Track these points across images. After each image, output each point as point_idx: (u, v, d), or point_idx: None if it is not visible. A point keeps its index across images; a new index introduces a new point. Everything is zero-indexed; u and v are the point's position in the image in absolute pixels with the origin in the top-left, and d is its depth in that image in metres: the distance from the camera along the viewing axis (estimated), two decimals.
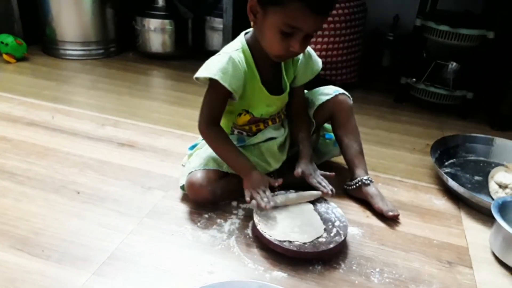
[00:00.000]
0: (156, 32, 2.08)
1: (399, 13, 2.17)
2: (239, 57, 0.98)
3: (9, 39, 1.92)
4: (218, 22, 2.07)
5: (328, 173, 1.07)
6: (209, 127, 1.00)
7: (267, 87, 1.03)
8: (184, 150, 1.25)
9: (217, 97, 0.99)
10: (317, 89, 1.17)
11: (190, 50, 2.23)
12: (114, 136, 1.36)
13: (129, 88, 1.78)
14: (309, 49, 1.09)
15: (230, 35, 1.86)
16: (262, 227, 0.92)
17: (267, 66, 1.02)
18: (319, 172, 1.06)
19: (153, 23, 2.07)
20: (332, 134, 1.19)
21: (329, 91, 1.14)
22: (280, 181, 0.99)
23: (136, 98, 1.69)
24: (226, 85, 0.94)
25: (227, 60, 0.95)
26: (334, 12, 1.73)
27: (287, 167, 1.12)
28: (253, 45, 1.00)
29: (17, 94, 1.62)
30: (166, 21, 2.07)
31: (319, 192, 1.02)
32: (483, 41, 1.62)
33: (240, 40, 1.02)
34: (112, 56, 2.15)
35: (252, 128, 1.10)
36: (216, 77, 0.94)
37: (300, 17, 0.85)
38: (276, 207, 0.98)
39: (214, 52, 2.20)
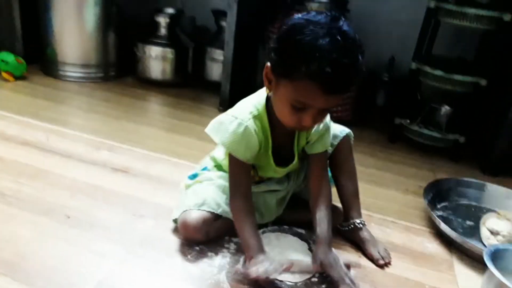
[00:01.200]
0: (157, 60, 2.10)
1: (394, 55, 2.22)
2: (254, 126, 0.93)
3: (10, 57, 1.93)
4: (218, 54, 2.11)
5: (352, 263, 0.96)
6: (235, 198, 0.96)
7: (277, 154, 1.00)
8: (178, 178, 1.23)
9: (237, 167, 0.96)
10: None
11: (189, 79, 2.25)
12: (108, 161, 1.35)
13: (126, 113, 1.78)
14: (328, 121, 1.02)
15: (230, 67, 1.90)
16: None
17: (282, 134, 0.98)
18: (341, 261, 0.92)
19: (154, 51, 2.09)
20: (331, 175, 1.18)
21: (336, 134, 1.10)
22: (289, 266, 0.88)
23: (133, 123, 1.69)
24: (239, 157, 0.93)
25: (242, 132, 0.91)
26: None
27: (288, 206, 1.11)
28: (271, 111, 0.94)
29: (13, 112, 1.61)
30: (168, 50, 2.10)
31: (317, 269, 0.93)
32: (475, 87, 1.67)
33: (259, 101, 0.95)
34: (111, 80, 2.16)
35: (255, 178, 1.08)
36: (230, 151, 0.94)
37: (311, 96, 0.80)
38: (269, 245, 0.97)
39: (213, 83, 2.23)
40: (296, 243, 1.01)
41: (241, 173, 0.96)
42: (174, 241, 1.01)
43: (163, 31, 2.12)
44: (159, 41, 2.11)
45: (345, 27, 0.78)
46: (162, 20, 2.09)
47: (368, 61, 2.06)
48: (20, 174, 1.20)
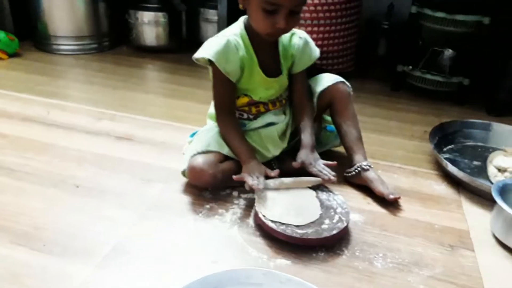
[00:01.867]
0: (150, 25, 2.06)
1: (393, 1, 2.15)
2: (236, 41, 1.01)
3: (1, 35, 1.89)
4: (212, 14, 2.06)
5: (330, 162, 1.06)
6: (220, 115, 1.06)
7: (265, 70, 1.06)
8: (181, 142, 1.24)
9: (219, 82, 1.03)
10: (317, 76, 1.18)
11: (184, 43, 2.21)
12: (111, 130, 1.35)
13: (124, 82, 1.76)
14: (306, 36, 1.12)
15: (225, 27, 1.82)
16: (259, 206, 0.93)
17: (265, 50, 1.05)
18: (321, 161, 1.05)
19: (146, 16, 2.05)
20: (333, 126, 1.19)
21: (329, 79, 1.15)
22: (276, 171, 1.00)
23: (132, 91, 1.68)
24: (221, 68, 0.99)
25: (224, 43, 0.99)
26: (330, 1, 1.72)
27: (288, 155, 1.12)
28: (250, 30, 1.02)
29: (11, 90, 1.60)
30: (160, 14, 2.05)
31: (318, 179, 1.02)
32: (478, 26, 1.62)
33: (239, 25, 1.04)
34: (105, 50, 2.13)
35: (252, 109, 1.11)
36: (212, 59, 0.98)
37: None
38: (278, 189, 0.99)
39: None
40: (304, 192, 1.02)
41: (224, 91, 1.04)
42: (184, 202, 1.02)
43: None
44: (151, 5, 2.05)
45: None
46: None
47: (367, 9, 2.03)
48: (25, 150, 1.20)
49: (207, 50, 1.00)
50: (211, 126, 1.12)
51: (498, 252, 0.93)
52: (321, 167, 1.03)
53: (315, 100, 1.14)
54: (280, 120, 1.13)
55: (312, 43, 1.13)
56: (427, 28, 1.73)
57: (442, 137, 1.36)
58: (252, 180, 0.95)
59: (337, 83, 1.14)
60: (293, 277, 0.75)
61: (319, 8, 1.71)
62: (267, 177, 0.99)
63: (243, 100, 1.09)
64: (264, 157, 1.09)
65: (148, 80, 1.90)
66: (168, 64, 2.01)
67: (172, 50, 2.14)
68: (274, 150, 1.11)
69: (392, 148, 1.37)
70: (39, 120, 1.39)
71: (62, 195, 1.03)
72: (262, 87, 1.07)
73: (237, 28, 1.04)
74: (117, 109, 1.50)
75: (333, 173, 1.01)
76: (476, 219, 1.03)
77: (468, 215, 1.05)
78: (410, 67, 1.78)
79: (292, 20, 0.94)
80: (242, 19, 1.05)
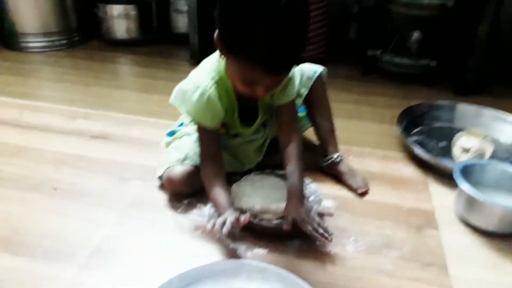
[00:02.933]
0: (120, 18, 2.04)
1: None
2: (216, 93, 0.93)
3: None
4: (182, 4, 2.05)
5: (325, 211, 0.95)
6: (204, 160, 0.98)
7: (244, 114, 1.02)
8: (158, 138, 1.25)
9: (204, 133, 0.97)
10: (297, 70, 1.08)
11: (156, 34, 2.19)
12: (86, 129, 1.35)
13: (96, 78, 1.75)
14: (295, 72, 1.01)
15: (195, 17, 1.85)
16: (236, 203, 0.96)
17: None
18: (314, 211, 0.93)
19: (116, 9, 2.02)
20: (303, 107, 1.20)
21: (309, 75, 1.11)
22: (246, 219, 0.84)
23: (105, 87, 1.67)
24: (206, 125, 0.95)
25: (206, 101, 0.92)
26: None
27: (267, 150, 1.14)
28: None
29: None
30: (129, 6, 2.03)
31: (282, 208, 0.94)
32: (443, 9, 1.66)
33: (220, 64, 0.93)
34: (76, 46, 2.10)
35: (230, 133, 1.09)
36: (196, 120, 0.96)
37: (255, 75, 0.78)
38: (253, 186, 1.02)
39: (180, 35, 2.17)
40: (279, 183, 1.05)
41: (209, 140, 0.97)
42: (162, 199, 1.05)
43: None
44: None
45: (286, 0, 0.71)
46: None
47: None
48: (0, 154, 1.20)
49: (188, 106, 0.94)
50: (188, 131, 1.11)
51: (460, 230, 0.99)
52: (316, 222, 0.89)
53: (300, 102, 1.11)
54: (258, 136, 1.10)
55: (296, 78, 1.02)
56: (395, 12, 1.76)
57: (411, 120, 1.41)
58: (211, 225, 0.83)
59: (316, 78, 1.12)
60: (269, 266, 0.80)
61: None
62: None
63: (221, 130, 1.05)
64: (239, 169, 1.10)
65: (121, 75, 1.89)
66: (140, 57, 2.00)
67: (144, 43, 2.12)
68: (248, 164, 1.11)
69: (363, 133, 1.41)
70: (11, 122, 1.38)
71: (40, 199, 1.04)
72: (239, 129, 1.06)
73: (215, 70, 0.94)
74: (91, 106, 1.49)
75: (330, 232, 0.89)
76: (441, 199, 1.09)
77: (434, 195, 1.11)
78: (380, 51, 1.82)
79: (274, 88, 0.86)
80: (219, 58, 0.90)
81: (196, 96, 0.92)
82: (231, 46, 0.79)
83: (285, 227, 0.88)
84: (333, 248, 0.91)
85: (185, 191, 1.03)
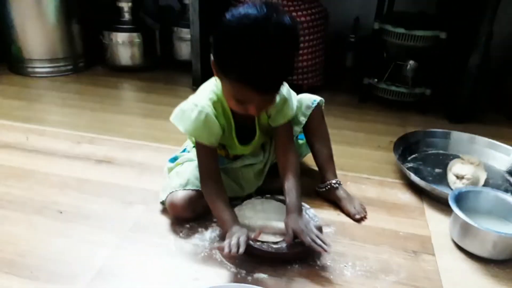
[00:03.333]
0: (124, 45, 2.10)
1: (359, 15, 2.26)
2: (214, 111, 0.98)
3: None
4: (185, 32, 2.11)
5: (322, 224, 1.03)
6: (204, 180, 1.01)
7: (240, 135, 1.06)
8: (161, 163, 1.29)
9: (202, 152, 1.01)
10: (298, 99, 1.17)
11: (159, 61, 2.26)
12: (91, 153, 1.38)
13: (101, 103, 1.80)
14: (286, 93, 1.06)
15: (198, 46, 1.91)
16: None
17: (242, 114, 0.99)
18: (312, 223, 0.99)
19: (120, 37, 2.09)
20: (303, 135, 1.25)
21: (308, 104, 1.17)
22: (257, 234, 0.96)
23: (109, 113, 1.72)
24: (204, 142, 0.99)
25: (203, 119, 0.96)
26: (297, 19, 1.80)
27: (268, 174, 1.18)
28: None
29: None
30: (134, 34, 2.10)
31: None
32: (437, 41, 1.73)
33: (217, 87, 0.99)
34: (81, 71, 2.15)
35: (230, 155, 1.14)
36: (193, 137, 1.00)
37: (247, 95, 0.85)
38: (253, 210, 1.05)
39: (183, 62, 2.23)
40: (279, 207, 1.08)
41: (208, 159, 1.01)
42: (164, 223, 1.07)
43: (126, 15, 2.11)
44: (124, 26, 2.10)
45: (275, 27, 0.79)
46: (125, 5, 2.08)
47: (334, 23, 2.12)
48: (6, 177, 1.23)
49: (186, 124, 0.97)
50: (190, 157, 1.14)
51: (456, 256, 1.02)
52: (314, 233, 0.94)
53: (298, 129, 1.16)
54: (258, 160, 1.15)
55: (291, 101, 1.07)
56: (390, 43, 1.83)
57: (406, 147, 1.46)
58: (228, 247, 0.87)
59: (315, 105, 1.17)
60: None
61: None
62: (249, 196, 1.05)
63: (221, 152, 1.11)
64: (239, 193, 1.13)
65: (125, 101, 1.94)
66: (144, 83, 2.06)
67: (148, 69, 2.18)
68: (248, 188, 1.14)
69: (360, 159, 1.45)
70: (18, 146, 1.41)
71: (45, 222, 1.06)
72: (238, 149, 1.09)
73: (213, 91, 1.00)
74: (95, 131, 1.53)
75: (327, 242, 0.93)
76: (437, 225, 1.12)
77: (430, 221, 1.14)
78: (376, 79, 1.88)
79: (266, 106, 0.92)
80: (216, 81, 1.00)
81: (194, 114, 0.97)
82: (224, 69, 0.86)
83: (287, 239, 0.94)
84: (332, 272, 0.94)
85: (187, 216, 1.06)
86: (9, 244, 0.98)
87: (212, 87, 1.01)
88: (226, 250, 0.86)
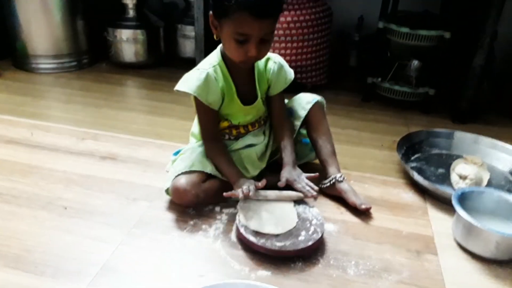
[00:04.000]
0: (128, 42, 2.10)
1: (363, 14, 2.26)
2: (215, 73, 1.07)
3: None
4: (189, 30, 2.12)
5: (312, 174, 1.13)
6: (206, 141, 1.13)
7: (242, 97, 1.12)
8: (164, 159, 1.30)
9: (202, 112, 1.10)
10: (297, 97, 1.26)
11: (163, 58, 2.26)
12: (95, 150, 1.39)
13: (105, 100, 1.80)
14: (281, 60, 1.18)
15: (202, 43, 1.91)
16: (241, 217, 1.01)
17: (242, 77, 1.11)
18: (304, 175, 1.12)
19: (125, 34, 2.09)
20: (308, 139, 1.27)
21: (307, 100, 1.23)
22: (263, 182, 1.05)
23: (113, 109, 1.72)
24: (203, 100, 1.06)
25: (204, 77, 1.05)
26: (301, 18, 1.80)
27: (270, 170, 1.20)
28: (227, 58, 1.08)
29: None
30: (138, 31, 2.10)
31: (299, 194, 1.09)
32: (441, 40, 1.73)
33: (217, 55, 1.10)
34: (85, 68, 2.16)
35: (233, 131, 1.18)
36: (194, 94, 1.04)
37: (246, 24, 0.94)
38: (258, 201, 1.07)
39: (187, 59, 2.24)
40: (280, 193, 1.10)
41: (207, 118, 1.11)
42: (169, 219, 1.08)
43: (131, 12, 2.11)
44: (129, 23, 2.10)
45: None
46: (129, 2, 2.08)
47: (338, 22, 2.12)
48: (11, 172, 1.24)
49: (189, 84, 1.06)
50: (194, 146, 1.18)
51: (459, 255, 1.02)
52: (305, 182, 1.10)
53: (298, 123, 1.22)
54: (259, 141, 1.20)
55: (286, 66, 1.19)
56: (394, 42, 1.83)
57: (410, 147, 1.46)
58: (241, 192, 1.01)
59: (314, 103, 1.22)
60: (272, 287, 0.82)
61: (291, 25, 1.80)
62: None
63: (224, 124, 1.16)
64: (243, 175, 1.15)
65: (128, 97, 1.94)
66: (147, 80, 2.06)
67: (151, 66, 2.19)
68: (253, 170, 1.18)
69: (364, 158, 1.45)
70: (23, 142, 1.42)
71: (50, 217, 1.07)
72: (241, 113, 1.14)
73: (214, 58, 1.10)
74: (99, 128, 1.54)
75: (316, 188, 1.08)
76: (440, 225, 1.12)
77: (433, 221, 1.14)
78: (379, 79, 1.88)
79: (263, 47, 1.00)
80: (219, 48, 1.11)
81: (195, 74, 1.07)
82: (223, 7, 0.94)
83: (279, 184, 1.09)
84: (335, 271, 0.94)
85: (190, 200, 1.07)
86: (14, 239, 0.99)
87: (213, 56, 1.10)
88: (241, 194, 1.00)
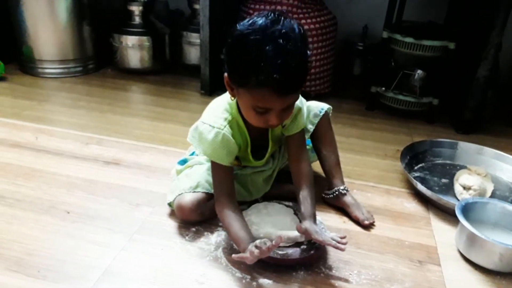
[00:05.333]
0: (134, 49, 2.12)
1: (368, 23, 2.27)
2: (231, 129, 0.99)
3: None
4: (195, 37, 2.13)
5: (339, 236, 0.98)
6: (219, 198, 1.00)
7: (254, 151, 1.07)
8: (168, 165, 1.30)
9: (219, 170, 1.00)
10: (306, 106, 1.16)
11: (168, 65, 2.27)
12: (99, 155, 1.39)
13: (110, 105, 1.81)
14: (300, 102, 1.05)
15: (207, 50, 1.92)
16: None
17: (257, 129, 1.01)
18: (325, 228, 1.04)
19: (130, 40, 2.10)
20: (309, 140, 1.25)
21: (316, 112, 1.18)
22: (278, 241, 0.87)
23: (118, 115, 1.73)
24: (223, 164, 0.99)
25: (220, 141, 0.97)
26: (306, 26, 1.81)
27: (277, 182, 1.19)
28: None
29: None
30: (144, 38, 2.11)
31: (297, 235, 0.98)
32: (445, 51, 1.73)
33: (230, 105, 1.00)
34: (90, 73, 2.17)
35: (241, 164, 1.14)
36: (213, 159, 0.99)
37: (268, 101, 0.85)
38: (258, 213, 1.06)
39: (192, 66, 2.25)
40: (283, 209, 1.09)
41: (224, 177, 1.00)
42: (171, 225, 1.08)
43: (137, 19, 2.12)
44: (134, 29, 2.11)
45: (285, 28, 0.81)
46: (136, 9, 2.09)
47: (343, 30, 2.14)
48: (15, 176, 1.24)
49: (204, 146, 0.99)
50: (201, 160, 1.15)
51: (462, 266, 1.01)
52: (329, 235, 0.97)
53: (307, 136, 1.15)
54: (267, 167, 1.15)
55: (304, 111, 1.08)
56: (398, 51, 1.84)
57: (413, 156, 1.46)
58: (253, 256, 0.86)
59: (323, 113, 1.18)
60: None
61: None
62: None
63: (234, 163, 1.08)
64: (246, 198, 1.13)
65: (133, 103, 1.95)
66: (152, 86, 2.07)
67: (156, 72, 2.20)
68: (255, 193, 1.15)
69: (367, 167, 1.45)
70: (27, 146, 1.42)
71: (53, 221, 1.07)
72: (251, 163, 1.11)
73: (226, 111, 1.00)
74: (104, 133, 1.54)
75: (345, 241, 0.96)
76: (443, 235, 1.12)
77: (436, 231, 1.13)
78: (383, 88, 1.88)
79: (285, 115, 0.91)
80: (231, 100, 0.99)
81: (211, 136, 0.97)
82: (241, 79, 0.86)
83: (298, 227, 0.94)
84: (336, 280, 0.94)
85: (195, 219, 1.06)
86: (17, 243, 0.99)
87: (225, 105, 1.01)
88: (251, 258, 0.86)
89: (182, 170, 1.15)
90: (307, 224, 0.96)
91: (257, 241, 0.87)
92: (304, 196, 1.02)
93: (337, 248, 0.93)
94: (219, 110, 1.01)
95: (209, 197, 1.05)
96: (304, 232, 0.94)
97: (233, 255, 0.90)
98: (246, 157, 1.08)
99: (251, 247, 0.87)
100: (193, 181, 1.07)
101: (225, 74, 0.90)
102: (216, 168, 1.00)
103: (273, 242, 0.86)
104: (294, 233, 0.99)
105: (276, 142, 1.11)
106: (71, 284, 0.88)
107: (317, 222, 1.06)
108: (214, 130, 0.97)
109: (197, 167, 1.13)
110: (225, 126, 0.98)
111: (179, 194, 1.06)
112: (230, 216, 0.97)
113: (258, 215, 1.06)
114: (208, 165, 1.11)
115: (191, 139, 1.05)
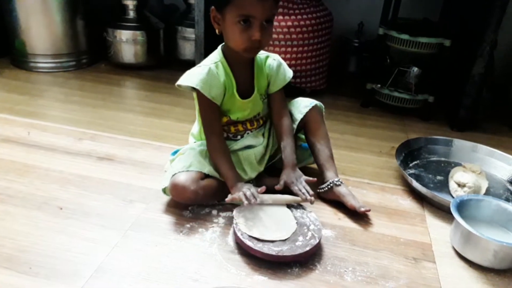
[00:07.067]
0: (128, 43, 2.10)
1: (363, 20, 2.27)
2: (217, 68, 1.09)
3: None
4: (189, 32, 2.12)
5: (310, 178, 1.13)
6: (209, 137, 1.12)
7: (240, 92, 1.13)
8: (162, 161, 1.29)
9: (205, 107, 1.10)
10: (295, 101, 1.26)
11: (162, 60, 2.26)
12: (92, 150, 1.38)
13: (103, 100, 1.79)
14: (279, 58, 1.21)
15: (202, 46, 1.91)
16: (241, 227, 0.99)
17: (241, 72, 1.13)
18: (303, 178, 1.12)
19: (124, 35, 2.08)
20: (307, 144, 1.27)
21: (305, 104, 1.24)
22: (263, 188, 1.05)
23: (112, 110, 1.71)
24: (206, 94, 1.06)
25: (206, 72, 1.07)
26: (302, 22, 1.80)
27: (267, 173, 1.21)
28: (228, 55, 1.11)
29: None
30: (138, 32, 2.09)
31: (296, 198, 1.09)
32: (441, 48, 1.73)
33: (218, 53, 1.12)
34: (84, 68, 2.15)
35: (231, 128, 1.19)
36: (198, 87, 1.05)
37: (249, 5, 0.97)
38: (252, 206, 1.06)
39: (186, 62, 2.24)
40: (275, 196, 1.10)
41: (211, 114, 1.11)
42: (165, 222, 1.07)
43: (131, 13, 2.11)
44: (129, 24, 2.10)
45: None
46: (130, 3, 2.08)
47: (338, 27, 2.13)
48: (7, 172, 1.22)
49: (191, 79, 1.07)
50: (193, 146, 1.18)
51: (456, 264, 1.01)
52: (302, 185, 1.11)
53: (294, 126, 1.22)
54: (258, 143, 1.21)
55: (285, 65, 1.21)
56: (394, 48, 1.83)
57: (408, 153, 1.46)
58: (245, 198, 1.01)
59: (312, 107, 1.22)
60: None
61: (292, 29, 1.80)
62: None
63: (222, 120, 1.16)
64: (241, 178, 1.14)
65: (127, 98, 1.93)
66: (146, 81, 2.05)
67: (151, 67, 2.18)
68: (251, 172, 1.18)
69: (362, 164, 1.45)
70: (19, 141, 1.41)
71: (46, 217, 1.05)
72: (239, 108, 1.15)
73: (215, 56, 1.12)
74: (97, 128, 1.53)
75: (311, 192, 1.08)
76: (438, 232, 1.12)
77: (431, 228, 1.13)
78: (379, 85, 1.88)
79: (266, 32, 1.02)
80: (220, 47, 1.13)
81: (198, 69, 1.09)
82: None
83: (277, 187, 1.10)
84: (331, 277, 0.93)
85: (189, 197, 1.06)
86: (9, 239, 0.97)
87: (213, 55, 1.13)
88: (246, 201, 1.00)
89: (174, 158, 1.17)
90: (285, 175, 1.12)
91: (244, 188, 1.03)
92: (284, 145, 1.16)
93: (303, 199, 1.07)
94: (208, 58, 1.13)
95: (202, 176, 1.08)
96: (283, 185, 1.10)
97: (226, 199, 1.03)
98: (233, 100, 1.13)
99: (240, 194, 1.01)
100: (187, 161, 1.10)
101: (212, 8, 1.03)
102: (204, 107, 1.10)
103: (258, 188, 1.03)
104: (284, 197, 1.09)
105: (261, 97, 1.19)
106: (64, 281, 0.87)
107: (312, 217, 1.06)
108: (201, 67, 1.09)
109: (189, 151, 1.15)
110: (211, 64, 1.09)
111: (174, 175, 1.07)
112: (221, 156, 1.10)
113: (256, 210, 1.06)
114: (199, 149, 1.15)
115: (180, 80, 1.09)
